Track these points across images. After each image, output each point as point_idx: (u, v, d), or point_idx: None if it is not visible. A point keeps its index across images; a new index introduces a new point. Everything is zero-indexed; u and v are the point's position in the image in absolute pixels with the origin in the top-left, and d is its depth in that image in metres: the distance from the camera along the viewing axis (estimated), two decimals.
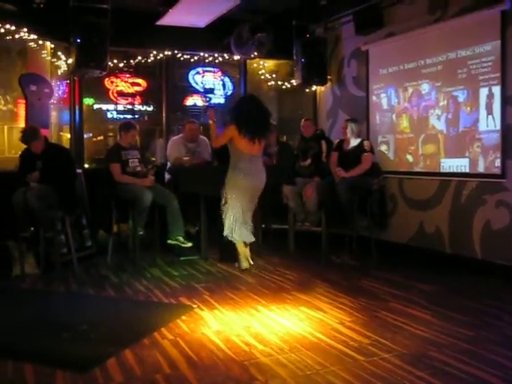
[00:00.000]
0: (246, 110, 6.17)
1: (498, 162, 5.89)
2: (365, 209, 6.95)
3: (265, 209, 7.24)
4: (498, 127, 5.88)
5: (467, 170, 6.27)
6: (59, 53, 7.46)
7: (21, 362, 3.56)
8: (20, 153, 6.41)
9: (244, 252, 6.22)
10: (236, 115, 6.16)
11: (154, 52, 8.08)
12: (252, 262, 6.29)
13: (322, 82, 8.61)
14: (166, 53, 8.13)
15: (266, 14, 7.78)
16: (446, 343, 3.81)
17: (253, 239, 6.26)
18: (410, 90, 7.05)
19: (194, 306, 4.84)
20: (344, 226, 6.99)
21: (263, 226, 7.34)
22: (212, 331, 4.16)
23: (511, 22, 5.71)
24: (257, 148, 6.14)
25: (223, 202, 6.15)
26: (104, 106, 8.43)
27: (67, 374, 3.38)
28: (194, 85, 8.87)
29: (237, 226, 6.11)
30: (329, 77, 8.59)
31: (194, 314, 4.60)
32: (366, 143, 6.97)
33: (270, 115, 6.50)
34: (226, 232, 6.13)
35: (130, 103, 8.52)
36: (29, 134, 6.18)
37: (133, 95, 8.53)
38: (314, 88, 8.89)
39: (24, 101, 7.09)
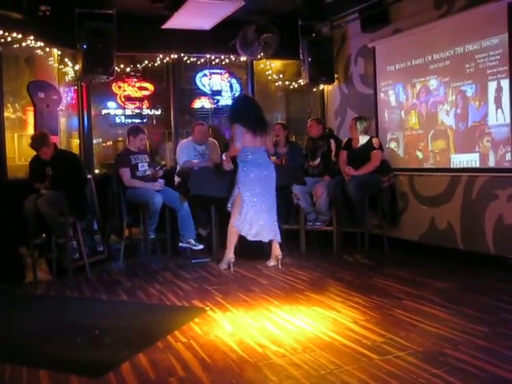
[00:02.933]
0: (244, 106, 6.57)
1: (508, 156, 5.85)
2: (376, 207, 6.94)
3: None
4: (508, 121, 5.83)
5: (478, 165, 6.23)
6: (66, 59, 7.48)
7: (35, 368, 3.57)
8: (30, 160, 6.43)
9: (229, 254, 6.41)
10: (236, 113, 6.50)
11: (161, 56, 8.08)
12: (277, 263, 6.48)
13: (330, 81, 8.59)
14: (172, 56, 8.13)
15: (272, 15, 7.76)
16: (461, 340, 3.78)
17: (277, 239, 6.43)
18: (418, 86, 7.02)
19: (207, 308, 4.83)
20: (355, 224, 6.98)
21: None
22: (225, 333, 4.15)
23: None
24: (259, 142, 6.39)
25: (233, 201, 6.35)
26: (112, 111, 8.45)
27: (82, 379, 3.38)
28: (201, 87, 8.87)
29: (252, 223, 6.25)
30: (336, 75, 8.57)
31: (206, 317, 4.59)
32: (374, 141, 6.96)
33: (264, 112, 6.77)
34: (239, 227, 6.29)
35: (137, 107, 8.53)
36: (39, 140, 6.19)
37: (140, 99, 8.53)
38: (321, 87, 8.87)
39: (33, 108, 7.11)
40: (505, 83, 5.85)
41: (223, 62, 8.55)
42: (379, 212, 6.99)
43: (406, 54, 7.15)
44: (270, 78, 8.95)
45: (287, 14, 7.93)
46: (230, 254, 6.37)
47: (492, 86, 6.00)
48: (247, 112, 6.42)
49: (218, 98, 8.91)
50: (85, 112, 7.72)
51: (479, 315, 4.34)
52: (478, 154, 6.22)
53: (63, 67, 7.53)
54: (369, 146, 6.92)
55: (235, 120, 6.40)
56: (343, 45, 8.43)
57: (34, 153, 6.31)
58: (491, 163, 6.06)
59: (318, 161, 7.43)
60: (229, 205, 6.40)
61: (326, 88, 8.88)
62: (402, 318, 4.36)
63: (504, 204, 5.90)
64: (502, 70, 5.87)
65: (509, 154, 5.84)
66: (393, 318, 4.37)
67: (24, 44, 6.84)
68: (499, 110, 5.94)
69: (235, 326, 4.34)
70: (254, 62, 8.65)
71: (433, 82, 6.79)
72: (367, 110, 7.70)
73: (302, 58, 8.48)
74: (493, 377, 3.18)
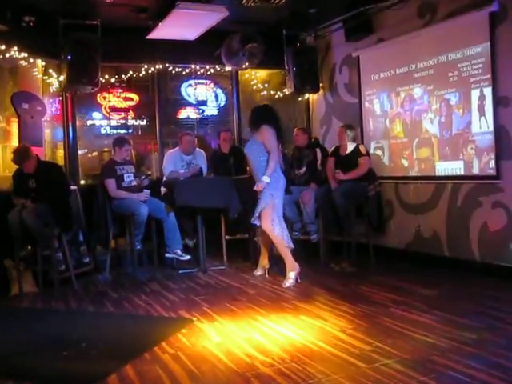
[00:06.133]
0: (276, 117, 6.40)
1: (492, 164, 5.90)
2: (362, 215, 6.95)
3: None
4: (491, 128, 5.88)
5: (462, 173, 6.27)
6: (50, 70, 7.45)
7: (22, 382, 3.53)
8: (13, 173, 6.39)
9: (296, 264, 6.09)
10: (263, 116, 6.32)
11: (146, 66, 8.08)
12: (264, 273, 6.53)
13: (315, 90, 8.63)
14: (157, 66, 8.13)
15: (256, 25, 7.78)
16: (448, 347, 3.79)
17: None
18: (403, 95, 7.06)
19: (194, 318, 4.81)
20: (342, 232, 6.99)
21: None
22: (213, 344, 4.14)
23: (500, 24, 5.73)
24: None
25: (262, 213, 6.05)
26: (97, 122, 8.42)
27: None
28: (186, 97, 8.87)
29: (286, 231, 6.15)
30: (321, 84, 8.60)
31: (194, 327, 4.57)
32: (361, 147, 7.00)
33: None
34: (286, 242, 6.08)
35: (123, 118, 8.50)
36: (20, 155, 6.16)
37: (126, 110, 8.51)
38: (306, 96, 8.91)
39: (17, 119, 7.08)
40: (487, 91, 5.90)
41: (208, 72, 8.57)
42: (365, 220, 7.00)
43: (390, 63, 7.19)
44: (255, 87, 8.97)
45: (272, 24, 7.96)
46: (296, 264, 6.09)
47: (475, 94, 6.06)
48: (273, 118, 6.32)
49: (203, 107, 8.90)
50: (70, 123, 7.69)
51: (466, 322, 4.36)
52: (462, 161, 6.26)
53: (47, 78, 7.50)
54: (356, 152, 6.95)
55: (263, 121, 6.20)
56: (327, 54, 8.48)
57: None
58: (475, 171, 6.11)
59: (303, 170, 7.44)
60: (255, 218, 6.14)
61: (311, 97, 8.91)
62: (389, 325, 4.36)
63: (489, 211, 5.94)
64: (484, 78, 5.93)
65: (492, 161, 5.88)
66: (380, 326, 4.37)
67: (8, 55, 6.81)
68: (482, 118, 5.98)
69: (222, 336, 4.33)
70: (239, 71, 8.67)
71: (417, 91, 6.84)
72: (352, 119, 7.73)
73: (286, 67, 8.53)
74: (480, 383, 3.19)
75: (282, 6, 6.89)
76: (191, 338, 4.28)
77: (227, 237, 7.34)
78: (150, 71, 8.15)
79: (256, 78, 8.93)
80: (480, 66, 5.97)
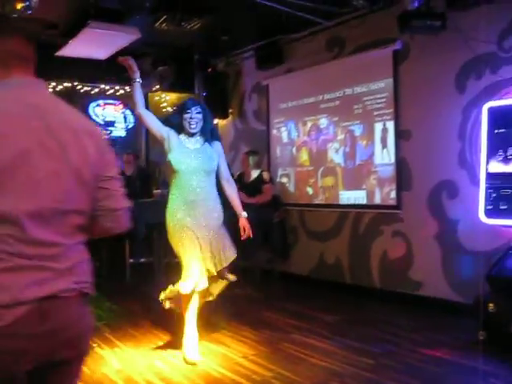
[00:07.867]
0: None
1: (393, 194, 6.12)
2: (267, 241, 7.01)
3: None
4: (393, 160, 6.12)
5: (364, 202, 6.47)
6: None
7: None
8: None
9: None
10: None
11: (54, 83, 7.89)
12: None
13: (224, 116, 8.69)
14: (65, 84, 7.96)
15: (169, 48, 7.78)
16: (347, 373, 3.88)
17: None
18: (309, 124, 7.23)
19: (95, 345, 4.67)
20: (247, 258, 7.01)
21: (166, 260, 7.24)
22: (113, 370, 4.04)
23: (402, 61, 6.00)
24: None
25: None
26: None
27: None
28: (94, 117, 8.72)
29: None
30: (230, 110, 8.67)
31: (93, 354, 4.43)
32: (265, 174, 7.08)
33: None
34: None
35: None
36: None
37: None
38: (215, 121, 8.94)
39: None
40: (390, 125, 6.15)
41: (118, 93, 8.47)
42: (270, 247, 7.07)
43: (299, 93, 7.36)
44: (164, 110, 8.93)
45: (184, 49, 7.97)
46: None
47: (378, 127, 6.29)
48: None
49: (111, 128, 8.78)
50: None
51: (365, 347, 4.47)
52: (365, 191, 6.47)
53: None
54: (260, 179, 7.03)
55: None
56: (238, 81, 8.57)
57: None
58: (377, 200, 6.32)
59: None
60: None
61: (220, 122, 8.94)
62: (290, 351, 4.41)
63: (389, 240, 6.15)
64: (387, 112, 6.17)
65: (393, 191, 6.11)
66: (281, 352, 4.41)
67: None
68: (385, 150, 6.22)
69: (123, 362, 4.24)
70: (149, 94, 8.61)
71: (323, 121, 7.02)
72: (260, 146, 7.83)
73: (197, 92, 8.55)
74: None
75: (195, 31, 6.90)
76: (91, 365, 4.14)
77: (131, 260, 7.23)
78: (57, 89, 7.96)
79: (166, 101, 8.90)
80: (383, 100, 6.21)
